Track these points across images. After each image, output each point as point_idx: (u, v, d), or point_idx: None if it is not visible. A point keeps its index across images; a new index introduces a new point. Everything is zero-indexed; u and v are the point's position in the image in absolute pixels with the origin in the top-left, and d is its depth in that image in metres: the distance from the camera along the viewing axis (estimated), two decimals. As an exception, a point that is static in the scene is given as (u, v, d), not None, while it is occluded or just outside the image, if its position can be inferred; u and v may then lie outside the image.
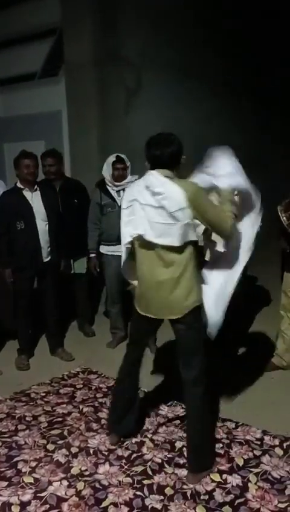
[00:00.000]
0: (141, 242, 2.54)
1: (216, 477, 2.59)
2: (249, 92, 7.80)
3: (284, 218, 3.44)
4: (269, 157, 8.25)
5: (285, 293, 3.68)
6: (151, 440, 2.91)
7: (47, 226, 3.89)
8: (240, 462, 2.70)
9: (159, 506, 2.39)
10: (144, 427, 3.03)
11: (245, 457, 2.75)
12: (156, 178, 2.45)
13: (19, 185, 3.84)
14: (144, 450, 2.82)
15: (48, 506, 2.40)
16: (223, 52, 7.19)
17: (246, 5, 7.38)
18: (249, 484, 2.52)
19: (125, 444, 2.88)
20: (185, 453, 2.71)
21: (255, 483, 2.53)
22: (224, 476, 2.60)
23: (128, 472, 2.64)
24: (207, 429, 2.76)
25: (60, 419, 3.17)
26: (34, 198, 3.84)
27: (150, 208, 2.44)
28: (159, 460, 2.73)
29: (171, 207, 2.37)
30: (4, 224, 3.80)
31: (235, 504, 2.40)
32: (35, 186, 3.86)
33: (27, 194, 3.82)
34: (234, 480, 2.56)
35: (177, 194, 2.36)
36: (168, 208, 2.37)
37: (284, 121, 8.61)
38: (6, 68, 6.29)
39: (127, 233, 2.58)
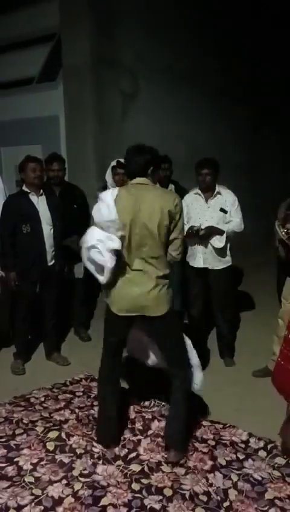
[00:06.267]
0: None
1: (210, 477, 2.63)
2: (245, 99, 7.87)
3: (283, 233, 3.46)
4: (261, 163, 8.32)
5: (286, 300, 3.65)
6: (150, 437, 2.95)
7: (52, 230, 3.90)
8: (223, 463, 2.74)
9: (157, 506, 2.41)
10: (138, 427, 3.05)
11: (227, 458, 2.78)
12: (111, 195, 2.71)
13: (25, 188, 3.86)
14: (141, 450, 2.85)
15: (42, 507, 2.39)
16: (221, 58, 7.24)
17: (245, 12, 7.44)
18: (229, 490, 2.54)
19: (122, 443, 2.91)
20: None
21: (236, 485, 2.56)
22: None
23: (125, 471, 2.65)
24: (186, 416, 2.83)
25: (57, 427, 3.09)
26: (40, 203, 3.86)
27: None
28: (156, 460, 2.76)
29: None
30: (10, 226, 3.81)
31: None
32: (41, 191, 3.89)
33: (33, 198, 3.84)
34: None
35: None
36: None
37: (278, 127, 8.69)
38: (5, 72, 6.32)
39: None
